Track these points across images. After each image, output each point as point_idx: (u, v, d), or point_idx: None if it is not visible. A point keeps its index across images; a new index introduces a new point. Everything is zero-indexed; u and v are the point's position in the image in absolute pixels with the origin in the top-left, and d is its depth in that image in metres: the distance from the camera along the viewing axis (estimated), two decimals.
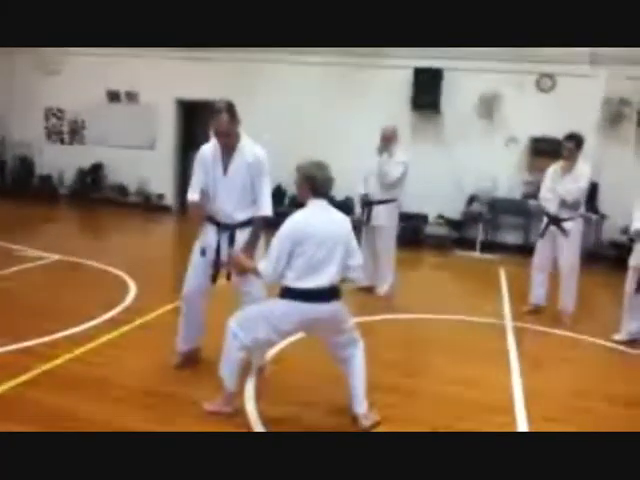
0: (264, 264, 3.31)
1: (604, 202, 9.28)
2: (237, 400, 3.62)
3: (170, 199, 11.59)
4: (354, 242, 3.47)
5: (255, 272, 3.39)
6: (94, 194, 11.68)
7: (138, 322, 5.02)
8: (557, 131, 7.63)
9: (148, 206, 11.41)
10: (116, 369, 4.07)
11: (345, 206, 10.31)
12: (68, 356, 4.20)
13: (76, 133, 12.04)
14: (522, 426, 3.64)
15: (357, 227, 7.07)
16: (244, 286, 3.83)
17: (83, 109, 11.85)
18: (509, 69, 9.49)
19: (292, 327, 3.39)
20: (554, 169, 5.91)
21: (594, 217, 9.06)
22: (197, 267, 3.99)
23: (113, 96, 11.69)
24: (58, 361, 4.10)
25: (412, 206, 9.45)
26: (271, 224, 3.82)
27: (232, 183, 3.82)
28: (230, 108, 3.75)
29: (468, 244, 9.62)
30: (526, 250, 8.28)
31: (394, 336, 5.31)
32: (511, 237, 9.93)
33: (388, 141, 6.34)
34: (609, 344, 5.32)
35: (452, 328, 5.58)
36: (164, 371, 4.08)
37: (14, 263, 6.64)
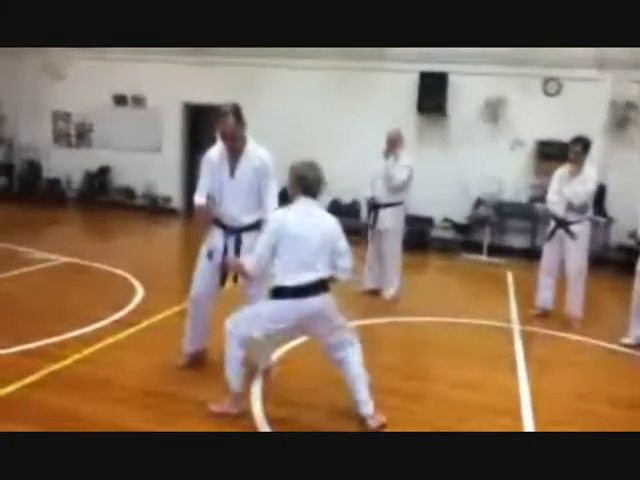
0: (249, 257, 3.38)
1: (611, 206, 9.25)
2: (244, 402, 3.62)
3: (177, 202, 11.63)
4: (343, 242, 3.48)
5: (244, 269, 3.42)
6: (101, 197, 11.74)
7: (145, 324, 5.04)
8: (564, 135, 7.62)
9: (155, 209, 11.45)
10: (122, 370, 4.08)
11: (351, 209, 10.35)
12: (75, 357, 4.21)
13: (83, 136, 12.11)
14: (527, 429, 3.63)
15: (362, 230, 7.11)
16: (250, 289, 3.83)
17: (90, 113, 11.93)
18: (515, 73, 9.48)
19: (285, 325, 3.40)
20: (561, 172, 5.90)
21: (601, 220, 9.03)
22: (204, 270, 4.00)
23: (120, 100, 11.75)
24: (65, 362, 4.12)
25: (418, 209, 9.45)
26: None
27: (238, 186, 3.83)
28: (237, 111, 3.76)
29: (474, 248, 9.60)
30: (533, 254, 8.27)
31: (400, 339, 5.30)
32: (518, 241, 9.90)
33: (393, 145, 6.33)
34: (617, 348, 5.30)
35: (458, 331, 5.57)
36: (170, 372, 4.09)
37: (22, 265, 6.67)
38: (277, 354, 4.40)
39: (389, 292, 6.47)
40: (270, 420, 3.50)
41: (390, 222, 6.41)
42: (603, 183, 8.43)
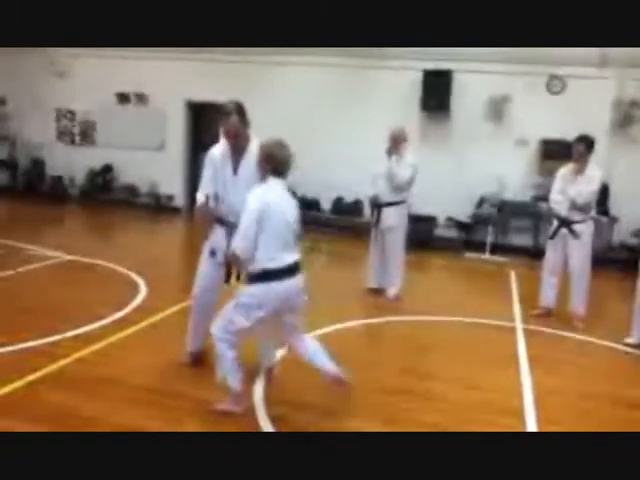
0: (236, 239, 3.32)
1: (615, 205, 9.23)
2: (246, 400, 3.63)
3: (180, 200, 11.64)
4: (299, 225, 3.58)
5: (231, 257, 3.40)
6: (104, 195, 11.76)
7: (148, 322, 5.04)
8: (567, 133, 7.60)
9: (158, 207, 11.46)
10: (125, 369, 4.08)
11: (354, 208, 10.34)
12: (77, 355, 4.22)
13: (87, 134, 12.12)
14: (529, 429, 3.62)
15: (366, 229, 7.10)
16: None
17: (93, 111, 11.94)
18: (519, 71, 9.45)
19: (270, 309, 3.41)
20: (565, 171, 5.88)
21: (605, 220, 9.01)
22: (207, 268, 4.00)
23: (123, 98, 11.76)
24: (67, 360, 4.12)
25: (421, 208, 9.44)
26: None
27: (242, 184, 3.82)
28: (240, 110, 3.76)
29: (477, 246, 9.59)
30: (536, 253, 8.26)
31: (403, 338, 5.30)
32: (521, 239, 9.88)
33: (397, 143, 6.31)
34: (621, 347, 5.29)
35: (461, 330, 5.56)
36: (173, 371, 4.09)
37: (25, 263, 6.69)
38: (279, 354, 4.40)
39: (392, 291, 6.46)
40: (273, 419, 3.50)
41: (393, 221, 6.40)
42: (606, 182, 8.41)
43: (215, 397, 3.59)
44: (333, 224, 10.42)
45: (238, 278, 3.91)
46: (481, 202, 9.89)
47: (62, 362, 4.08)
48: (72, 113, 12.13)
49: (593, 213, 5.98)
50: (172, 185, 11.61)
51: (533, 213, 9.45)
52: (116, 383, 3.86)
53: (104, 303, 5.39)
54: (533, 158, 9.74)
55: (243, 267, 3.45)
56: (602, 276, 7.37)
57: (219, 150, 3.90)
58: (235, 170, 3.84)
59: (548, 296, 6.07)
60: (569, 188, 5.74)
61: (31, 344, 4.34)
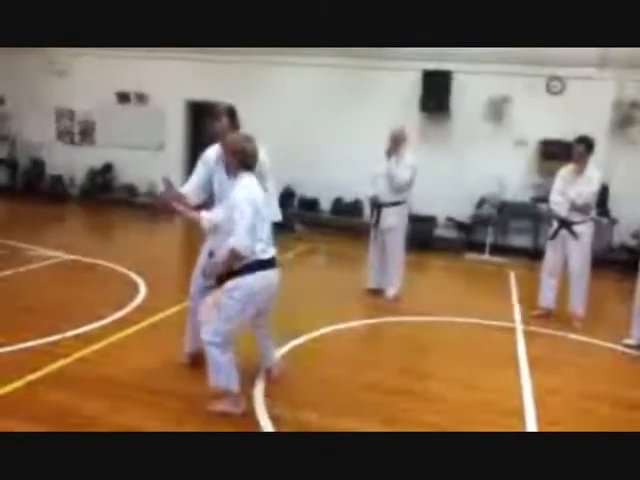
0: (238, 238, 3.24)
1: (615, 206, 9.23)
2: (246, 401, 3.63)
3: None
4: None
5: (228, 256, 3.32)
6: (104, 195, 11.76)
7: (147, 322, 5.04)
8: (567, 134, 7.61)
9: (157, 206, 11.45)
10: (124, 368, 4.08)
11: (354, 208, 10.35)
12: (77, 355, 4.22)
13: (86, 134, 12.13)
14: (529, 429, 3.63)
15: (365, 230, 7.11)
16: None
17: (93, 110, 11.95)
18: (518, 72, 9.46)
19: (257, 300, 3.45)
20: (564, 172, 5.89)
21: (605, 221, 9.01)
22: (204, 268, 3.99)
23: (123, 97, 11.76)
24: (67, 360, 4.12)
25: (421, 209, 9.45)
26: (279, 226, 3.83)
27: None
28: (230, 112, 3.78)
29: (477, 247, 9.59)
30: (536, 253, 8.27)
31: (402, 339, 5.30)
32: (520, 240, 9.88)
33: (397, 143, 6.31)
34: (620, 348, 5.29)
35: (461, 331, 5.57)
36: (172, 371, 4.09)
37: (25, 262, 6.69)
38: (279, 354, 4.40)
39: (391, 291, 6.46)
40: (272, 419, 3.50)
41: (393, 221, 6.40)
42: (606, 183, 8.41)
43: (214, 398, 3.59)
44: (332, 224, 10.42)
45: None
46: (481, 203, 9.90)
47: (62, 362, 4.08)
48: (72, 113, 12.14)
49: (593, 214, 5.99)
50: None
51: (533, 214, 9.46)
52: (116, 383, 3.86)
53: (104, 303, 5.39)
54: (533, 159, 9.75)
55: (238, 264, 3.40)
56: (601, 277, 7.38)
57: (214, 152, 3.91)
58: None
59: (548, 297, 6.07)
60: (569, 189, 5.74)
61: (31, 344, 4.34)
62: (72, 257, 7.15)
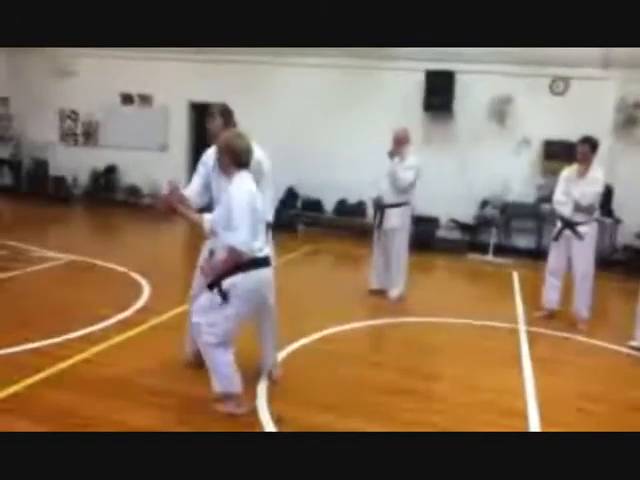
0: (238, 236, 3.23)
1: (619, 206, 9.21)
2: (249, 402, 3.63)
3: None
4: None
5: (229, 256, 3.30)
6: (107, 196, 11.78)
7: (150, 323, 5.04)
8: (570, 134, 7.60)
9: (155, 204, 11.46)
10: (127, 369, 4.08)
11: (358, 209, 10.34)
12: (80, 356, 4.23)
13: (90, 135, 12.15)
14: (532, 429, 3.62)
15: (369, 230, 7.10)
16: None
17: (97, 111, 11.97)
18: (522, 72, 9.45)
19: (255, 299, 3.47)
20: (568, 173, 5.87)
21: (608, 221, 8.99)
22: None
23: (126, 98, 11.79)
24: (71, 361, 4.13)
25: (424, 210, 9.44)
26: (282, 227, 3.83)
27: None
28: (224, 112, 3.78)
29: (481, 248, 9.58)
30: (539, 254, 8.26)
31: (405, 339, 5.29)
32: (524, 241, 9.87)
33: (400, 143, 6.31)
34: (624, 350, 5.27)
35: (464, 332, 5.56)
36: (176, 371, 4.09)
37: (29, 264, 6.70)
38: (281, 355, 4.40)
39: (395, 292, 6.46)
40: (275, 419, 3.49)
41: (396, 222, 6.39)
42: (610, 184, 8.39)
43: (217, 399, 3.58)
44: (336, 225, 10.42)
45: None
46: (484, 203, 9.89)
47: (65, 363, 4.09)
48: (75, 113, 12.16)
49: (597, 214, 5.97)
50: None
51: (536, 214, 9.44)
52: (118, 384, 3.86)
53: (107, 304, 5.40)
54: (536, 159, 9.73)
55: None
56: (605, 278, 7.36)
57: (212, 152, 3.91)
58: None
59: (551, 298, 6.05)
60: (573, 189, 5.73)
61: (34, 345, 4.35)
62: (75, 258, 7.16)
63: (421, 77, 9.78)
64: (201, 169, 4.00)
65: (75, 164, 12.06)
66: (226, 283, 3.33)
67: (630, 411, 4.08)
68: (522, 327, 5.72)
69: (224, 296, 3.33)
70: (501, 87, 9.64)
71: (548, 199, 6.86)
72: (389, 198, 6.39)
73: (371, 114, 10.05)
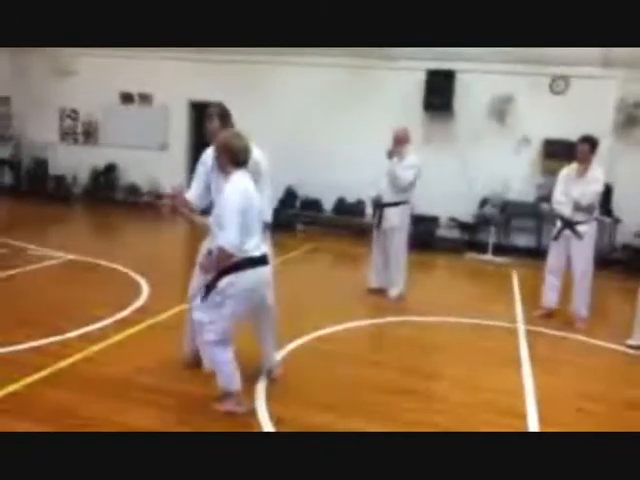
0: (226, 237, 3.23)
1: (618, 206, 9.21)
2: (248, 400, 3.63)
3: None
4: None
5: (218, 256, 3.31)
6: (107, 194, 11.77)
7: (149, 322, 5.05)
8: (571, 133, 7.59)
9: (158, 206, 11.46)
10: (126, 368, 4.08)
11: (357, 208, 10.34)
12: (79, 355, 4.23)
13: (90, 134, 12.16)
14: (531, 429, 3.62)
15: (368, 229, 7.11)
16: None
17: (97, 110, 11.97)
18: (522, 71, 9.45)
19: (252, 298, 3.47)
20: (568, 172, 5.87)
21: (608, 221, 8.99)
22: None
23: (126, 97, 11.79)
24: (70, 360, 4.13)
25: (423, 209, 9.44)
26: (282, 226, 3.83)
27: None
28: (222, 113, 3.79)
29: (480, 247, 9.58)
30: (539, 253, 8.25)
31: (404, 338, 5.29)
32: (523, 240, 9.87)
33: (400, 143, 6.31)
34: (622, 349, 5.27)
35: (464, 331, 5.56)
36: (174, 371, 4.09)
37: (28, 262, 6.70)
38: (280, 354, 4.40)
39: (394, 291, 6.46)
40: (274, 419, 3.50)
41: (396, 221, 6.39)
42: (610, 183, 8.39)
43: (217, 398, 3.59)
44: (335, 224, 10.42)
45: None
46: (484, 202, 9.89)
47: (64, 362, 4.09)
48: (75, 112, 12.17)
49: (596, 214, 5.97)
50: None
51: (536, 213, 9.44)
52: (117, 383, 3.86)
53: (106, 303, 5.40)
54: (536, 158, 9.73)
55: (228, 262, 3.36)
56: (604, 277, 7.36)
57: (211, 153, 3.91)
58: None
59: (550, 297, 6.05)
60: (572, 189, 5.73)
61: (33, 344, 4.35)
62: (74, 257, 7.16)
63: (421, 76, 9.78)
64: (201, 169, 4.00)
65: (75, 163, 12.06)
66: (223, 282, 3.33)
67: (629, 410, 4.08)
68: (521, 326, 5.72)
69: (220, 296, 3.35)
70: (501, 86, 9.64)
71: (548, 198, 6.86)
72: (388, 197, 6.38)
73: (371, 113, 10.04)
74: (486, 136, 9.82)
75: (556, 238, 5.93)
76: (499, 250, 9.43)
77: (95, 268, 6.83)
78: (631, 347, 5.26)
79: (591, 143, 5.68)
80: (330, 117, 10.33)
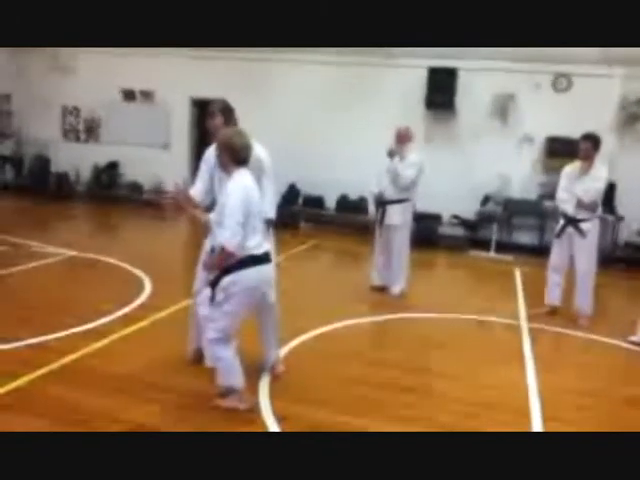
0: (227, 236, 3.24)
1: (621, 203, 9.19)
2: (251, 397, 3.64)
3: None
4: None
5: (220, 255, 3.32)
6: (109, 192, 11.78)
7: (152, 319, 5.05)
8: (573, 131, 7.57)
9: (161, 203, 11.45)
10: (129, 365, 4.09)
11: (359, 205, 10.33)
12: (82, 351, 4.23)
13: (92, 131, 12.15)
14: (534, 427, 3.62)
15: (370, 227, 7.10)
16: None
17: (99, 107, 11.97)
18: (525, 69, 9.43)
19: (255, 295, 3.48)
20: (570, 170, 5.86)
21: (610, 218, 8.98)
22: None
23: (128, 95, 11.78)
24: (73, 356, 4.14)
25: (426, 206, 9.42)
26: (284, 223, 3.83)
27: None
28: (225, 110, 3.78)
29: (482, 244, 9.57)
30: (541, 251, 8.23)
31: (407, 336, 5.29)
32: (526, 238, 9.86)
33: (402, 141, 6.30)
34: (625, 345, 5.27)
35: (466, 328, 5.56)
36: (177, 368, 4.09)
37: (31, 259, 6.71)
38: (282, 351, 4.41)
39: (397, 289, 6.46)
40: (276, 416, 3.50)
41: (398, 218, 6.38)
42: (612, 180, 8.37)
43: (218, 394, 3.59)
44: (337, 222, 10.42)
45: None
46: (486, 200, 9.87)
47: (67, 358, 4.09)
48: (77, 110, 12.16)
49: (599, 212, 5.96)
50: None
51: (538, 211, 9.42)
52: (119, 379, 3.87)
53: (109, 300, 5.40)
54: (538, 156, 9.71)
55: (231, 260, 3.36)
56: (607, 274, 7.34)
57: (213, 150, 3.91)
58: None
59: (553, 294, 6.05)
60: (575, 186, 5.72)
61: (36, 340, 4.36)
62: (77, 254, 7.17)
63: (423, 74, 9.76)
64: (204, 167, 4.00)
65: (77, 160, 12.05)
66: (225, 281, 3.34)
67: (631, 407, 4.08)
68: (524, 324, 5.72)
69: (222, 294, 3.35)
70: (504, 84, 9.62)
71: (550, 196, 6.85)
72: (391, 195, 6.37)
73: (373, 111, 10.03)
74: (488, 134, 9.80)
75: (559, 236, 5.93)
76: (501, 248, 9.42)
77: (98, 265, 6.84)
78: (634, 344, 5.26)
79: (593, 141, 5.67)
80: (333, 114, 10.32)
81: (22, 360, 4.02)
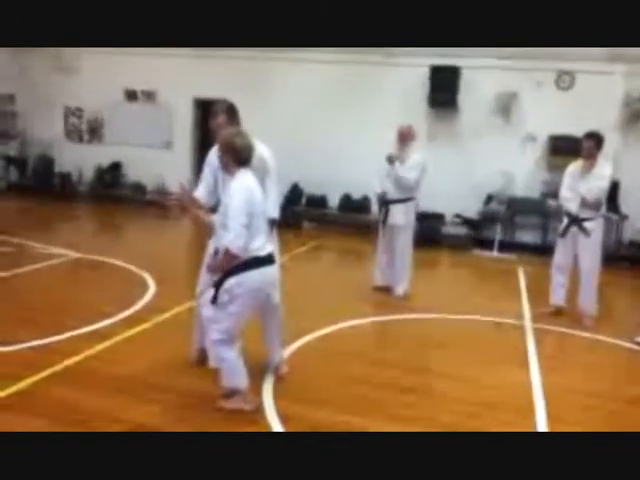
0: (231, 238, 3.23)
1: (625, 202, 9.16)
2: (255, 398, 3.64)
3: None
4: None
5: (224, 257, 3.31)
6: (112, 192, 11.79)
7: (156, 320, 5.05)
8: (576, 129, 7.53)
9: (165, 204, 11.46)
10: (133, 366, 4.09)
11: (362, 205, 10.32)
12: (86, 353, 4.24)
13: (95, 132, 12.17)
14: (538, 427, 3.61)
15: (373, 227, 7.09)
16: None
17: (102, 108, 11.98)
18: (527, 67, 9.40)
19: (259, 297, 3.49)
20: (574, 168, 5.83)
21: (614, 217, 8.95)
22: None
23: (131, 95, 11.79)
24: (76, 358, 4.14)
25: (429, 206, 9.41)
26: (287, 223, 3.83)
27: None
28: (229, 110, 3.77)
29: (486, 244, 9.55)
30: (544, 250, 8.22)
31: (411, 336, 5.28)
32: (529, 237, 9.83)
33: (405, 139, 6.28)
34: (630, 345, 5.25)
35: (470, 329, 5.54)
36: (182, 368, 4.09)
37: (34, 260, 6.71)
38: (286, 351, 4.40)
39: (400, 289, 6.44)
40: (280, 416, 3.50)
41: (401, 218, 6.36)
42: (616, 179, 8.35)
43: (222, 395, 3.59)
44: (340, 221, 10.41)
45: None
46: (489, 199, 9.85)
47: (71, 360, 4.10)
48: (80, 111, 12.18)
49: (603, 210, 5.93)
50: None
51: (542, 210, 9.40)
52: (124, 380, 3.87)
53: (112, 301, 5.41)
54: (541, 154, 9.68)
55: (235, 262, 3.36)
56: (611, 273, 7.32)
57: (216, 150, 3.90)
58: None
59: (558, 294, 6.03)
60: (579, 185, 5.70)
61: (40, 342, 4.36)
62: (80, 255, 7.17)
63: (426, 73, 9.73)
64: (207, 169, 3.99)
65: (80, 161, 12.07)
66: (229, 282, 3.33)
67: (637, 408, 4.06)
68: (528, 323, 5.70)
69: (226, 296, 3.35)
70: (506, 82, 9.59)
71: (554, 195, 6.83)
72: (394, 194, 6.35)
73: (376, 109, 10.01)
74: (491, 132, 9.78)
75: (563, 235, 5.91)
76: (505, 247, 9.40)
77: (101, 266, 6.85)
78: (638, 344, 5.24)
79: (596, 139, 5.64)
80: (334, 113, 10.30)
81: (25, 362, 4.02)
